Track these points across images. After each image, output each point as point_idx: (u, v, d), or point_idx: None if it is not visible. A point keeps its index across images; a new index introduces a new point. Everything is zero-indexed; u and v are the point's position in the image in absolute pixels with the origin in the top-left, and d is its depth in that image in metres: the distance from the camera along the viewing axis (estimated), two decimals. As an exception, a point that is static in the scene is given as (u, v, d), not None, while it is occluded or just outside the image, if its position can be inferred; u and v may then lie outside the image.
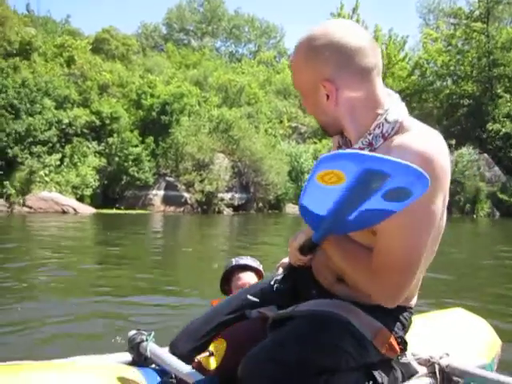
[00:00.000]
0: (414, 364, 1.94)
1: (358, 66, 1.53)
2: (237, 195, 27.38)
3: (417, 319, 2.09)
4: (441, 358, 2.03)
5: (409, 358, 1.91)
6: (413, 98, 44.73)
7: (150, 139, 25.86)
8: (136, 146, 25.49)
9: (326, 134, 1.75)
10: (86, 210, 22.05)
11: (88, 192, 23.90)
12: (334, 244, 1.67)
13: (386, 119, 1.56)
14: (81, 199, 23.36)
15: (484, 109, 39.22)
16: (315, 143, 35.11)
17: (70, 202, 21.89)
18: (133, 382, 1.80)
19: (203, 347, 1.97)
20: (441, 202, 1.52)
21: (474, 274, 8.63)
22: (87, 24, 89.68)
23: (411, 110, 44.58)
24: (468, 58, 42.31)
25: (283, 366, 1.56)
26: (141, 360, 2.08)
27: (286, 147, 31.69)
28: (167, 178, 26.05)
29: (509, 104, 38.11)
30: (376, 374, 1.76)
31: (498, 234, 20.03)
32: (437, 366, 1.99)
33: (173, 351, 2.04)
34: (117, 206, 24.78)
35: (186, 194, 25.59)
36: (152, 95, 27.33)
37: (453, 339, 2.44)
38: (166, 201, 25.48)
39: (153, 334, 2.14)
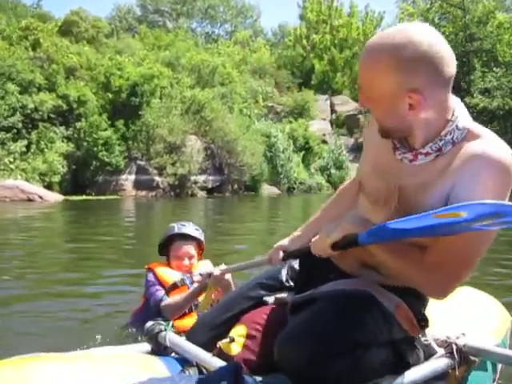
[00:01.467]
0: (434, 344, 2.00)
1: (444, 77, 1.52)
2: (210, 177, 26.83)
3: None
4: (457, 338, 2.06)
5: (429, 339, 1.97)
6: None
7: (119, 122, 25.15)
8: (105, 129, 24.79)
9: (385, 137, 1.69)
10: (54, 197, 21.30)
11: (56, 179, 23.28)
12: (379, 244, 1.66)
13: (456, 126, 1.58)
14: (49, 186, 22.71)
15: (461, 84, 38.94)
16: (290, 122, 34.57)
17: (36, 189, 21.09)
18: (154, 370, 1.80)
19: (221, 335, 1.97)
20: None
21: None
22: (60, 7, 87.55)
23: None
24: (445, 33, 41.93)
25: (321, 340, 1.61)
26: (160, 349, 2.09)
27: (261, 127, 31.05)
28: (138, 162, 25.41)
29: (486, 78, 37.87)
30: (400, 350, 1.85)
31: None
32: (454, 347, 2.01)
33: (191, 340, 2.05)
34: (87, 192, 24.12)
35: (158, 178, 25.00)
36: (121, 77, 26.54)
37: (464, 318, 2.47)
38: (138, 185, 24.88)
39: (171, 323, 2.16)
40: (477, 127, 1.61)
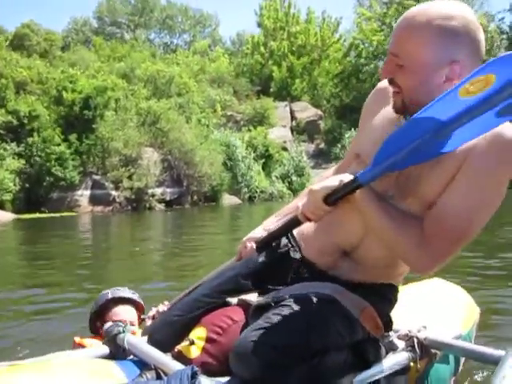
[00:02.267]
0: (395, 339, 2.01)
1: (480, 59, 1.54)
2: (168, 190, 26.32)
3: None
4: (419, 331, 2.05)
5: (391, 334, 1.99)
6: (350, 79, 44.58)
7: (72, 136, 24.44)
8: (59, 144, 24.09)
9: (401, 112, 1.64)
10: (5, 216, 20.60)
11: (8, 197, 22.47)
12: (376, 201, 1.60)
13: None
14: (0, 205, 21.92)
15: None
16: (250, 130, 34.24)
17: (-15, 209, 20.42)
18: (111, 376, 1.75)
19: (181, 336, 1.90)
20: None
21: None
22: (12, 20, 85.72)
23: (349, 92, 44.79)
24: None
25: (276, 349, 1.55)
26: (119, 352, 1.99)
27: (219, 136, 30.65)
28: (94, 177, 24.78)
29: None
30: (360, 348, 1.80)
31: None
32: (415, 340, 2.00)
33: (151, 341, 1.97)
34: (42, 209, 23.37)
35: (114, 192, 24.42)
36: (74, 90, 25.87)
37: (431, 310, 2.45)
38: (94, 200, 24.27)
39: (128, 324, 2.12)
40: None
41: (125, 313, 2.82)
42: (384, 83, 1.75)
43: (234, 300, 1.98)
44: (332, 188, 1.59)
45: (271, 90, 42.23)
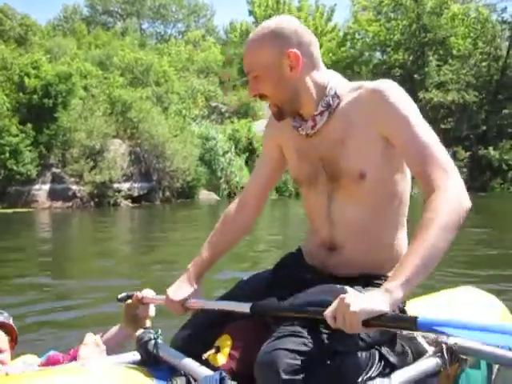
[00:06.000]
0: (423, 342, 1.97)
1: (309, 48, 1.80)
2: (136, 185, 24.40)
3: (425, 298, 2.17)
4: (448, 336, 1.98)
5: (419, 339, 1.98)
6: (345, 71, 42.78)
7: (28, 127, 22.48)
8: (16, 135, 22.21)
9: (280, 118, 1.86)
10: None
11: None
12: (409, 285, 1.52)
13: (336, 82, 1.82)
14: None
15: (416, 78, 37.58)
16: (233, 122, 32.25)
17: None
18: (142, 382, 1.83)
19: (207, 342, 1.93)
20: None
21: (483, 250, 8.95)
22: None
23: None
24: (398, 26, 40.47)
25: (300, 355, 1.58)
26: (149, 359, 2.00)
27: (198, 128, 28.69)
28: (54, 170, 22.88)
29: (440, 72, 36.45)
30: (385, 352, 1.79)
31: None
32: (444, 346, 1.95)
33: (176, 346, 2.00)
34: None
35: (75, 187, 22.49)
36: (37, 76, 23.99)
37: (462, 316, 2.19)
38: (53, 195, 22.40)
39: (160, 331, 2.05)
40: (356, 81, 1.85)
41: None
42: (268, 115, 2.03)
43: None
44: (378, 313, 1.48)
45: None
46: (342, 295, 1.53)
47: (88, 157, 22.92)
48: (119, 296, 2.44)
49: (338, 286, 1.75)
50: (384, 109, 1.69)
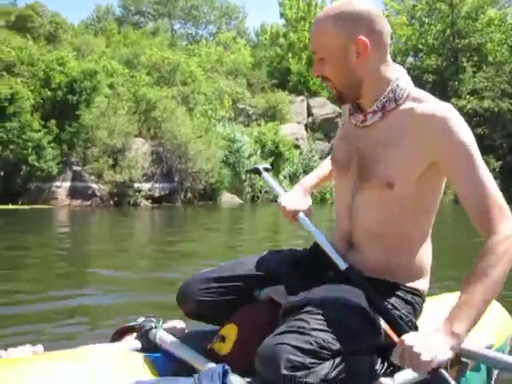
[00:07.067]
0: None
1: (383, 37, 1.76)
2: (157, 185, 23.92)
3: (426, 301, 2.12)
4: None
5: None
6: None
7: (51, 123, 22.24)
8: (39, 130, 21.99)
9: (341, 101, 1.86)
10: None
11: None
12: (470, 325, 1.56)
13: (398, 85, 1.76)
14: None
15: (449, 84, 36.64)
16: (259, 125, 31.68)
17: None
18: (143, 369, 1.83)
19: (211, 293, 1.99)
20: None
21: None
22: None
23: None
24: (432, 31, 39.56)
25: (302, 352, 1.59)
26: (150, 347, 2.02)
27: (223, 130, 28.20)
28: (74, 168, 22.59)
29: (474, 79, 35.44)
30: (389, 355, 1.75)
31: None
32: None
33: (183, 294, 2.04)
34: (20, 201, 21.37)
35: (95, 186, 22.16)
36: (62, 73, 23.79)
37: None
38: (73, 193, 22.08)
39: (162, 320, 2.10)
40: (418, 90, 1.77)
41: None
42: None
43: (263, 294, 1.99)
44: (446, 362, 1.55)
45: (290, 83, 39.62)
46: (406, 339, 1.52)
47: (109, 155, 22.59)
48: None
49: (346, 286, 1.78)
50: (444, 137, 1.65)
